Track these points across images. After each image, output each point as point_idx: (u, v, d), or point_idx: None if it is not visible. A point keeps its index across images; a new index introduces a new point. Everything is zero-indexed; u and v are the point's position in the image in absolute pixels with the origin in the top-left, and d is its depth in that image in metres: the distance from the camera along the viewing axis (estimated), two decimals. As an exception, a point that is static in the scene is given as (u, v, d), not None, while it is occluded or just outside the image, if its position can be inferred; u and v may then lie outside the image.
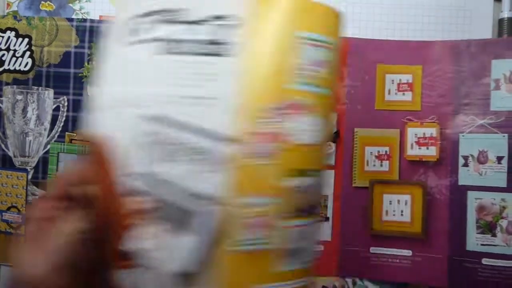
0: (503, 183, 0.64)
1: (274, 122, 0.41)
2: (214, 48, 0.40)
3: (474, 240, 0.64)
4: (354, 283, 0.67)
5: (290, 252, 0.41)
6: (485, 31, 0.69)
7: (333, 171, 0.66)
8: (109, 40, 0.42)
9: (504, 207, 0.64)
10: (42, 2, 0.69)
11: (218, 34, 0.41)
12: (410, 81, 0.66)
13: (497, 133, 0.64)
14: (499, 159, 0.64)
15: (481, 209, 0.64)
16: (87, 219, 0.37)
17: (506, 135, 0.64)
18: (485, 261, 0.64)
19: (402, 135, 0.66)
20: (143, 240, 0.37)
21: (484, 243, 0.64)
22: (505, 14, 0.68)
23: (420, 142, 0.65)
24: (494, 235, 0.64)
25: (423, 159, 0.65)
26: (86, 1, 0.69)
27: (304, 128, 0.43)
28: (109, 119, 0.39)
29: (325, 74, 0.44)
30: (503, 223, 0.64)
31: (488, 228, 0.64)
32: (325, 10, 0.45)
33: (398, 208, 0.65)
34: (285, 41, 0.43)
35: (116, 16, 0.43)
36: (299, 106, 0.43)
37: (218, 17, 0.41)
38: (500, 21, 0.68)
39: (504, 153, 0.64)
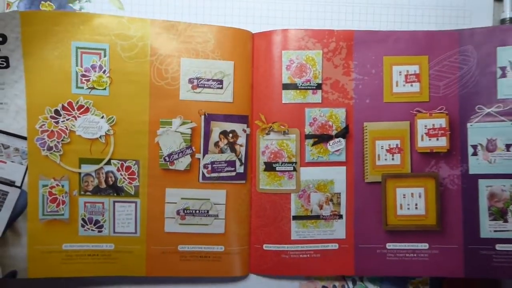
0: (512, 170, 0.65)
1: (61, 121, 0.61)
2: None
3: (487, 227, 0.65)
4: (354, 283, 0.68)
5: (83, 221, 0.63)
6: (485, 30, 0.69)
7: (344, 167, 0.66)
8: None
9: (514, 193, 0.65)
10: (42, 2, 0.67)
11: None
12: (418, 71, 0.66)
13: (505, 121, 0.65)
14: (508, 146, 0.65)
15: (492, 196, 0.65)
16: None
17: (514, 122, 0.65)
18: (498, 247, 0.65)
19: (412, 127, 0.66)
20: None
21: (497, 229, 0.65)
22: (507, 14, 0.68)
23: (430, 133, 0.65)
24: (505, 220, 0.65)
25: (434, 150, 0.65)
26: (86, 1, 0.67)
27: (87, 125, 0.62)
28: None
29: (97, 77, 0.62)
30: (514, 208, 0.65)
31: (500, 214, 0.65)
32: (85, 17, 0.63)
33: (412, 201, 0.65)
34: (60, 50, 0.61)
35: None
36: (83, 106, 0.62)
37: None
38: (502, 21, 0.69)
39: (513, 140, 0.65)
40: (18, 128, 0.60)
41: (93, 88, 0.61)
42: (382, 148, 0.66)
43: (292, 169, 0.66)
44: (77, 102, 0.62)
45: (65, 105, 0.62)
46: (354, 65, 0.66)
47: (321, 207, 0.66)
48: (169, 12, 0.68)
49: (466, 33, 0.66)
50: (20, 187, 0.58)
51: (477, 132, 0.65)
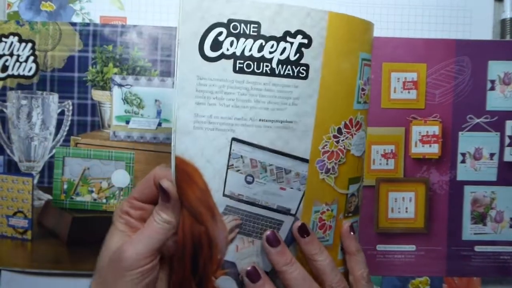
0: (493, 177, 0.70)
1: (341, 140, 0.48)
2: (292, 69, 0.43)
3: (468, 230, 0.70)
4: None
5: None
6: (485, 31, 0.71)
7: (340, 169, 0.68)
8: (184, 53, 0.40)
9: (493, 199, 0.70)
10: (43, 2, 0.65)
11: (293, 53, 0.43)
12: (415, 79, 0.69)
13: (491, 131, 0.69)
14: (491, 155, 0.70)
15: (475, 201, 0.70)
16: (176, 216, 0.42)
17: (498, 133, 0.69)
18: (477, 248, 0.70)
19: (407, 133, 0.69)
20: (234, 251, 0.43)
21: (477, 232, 0.70)
22: (507, 14, 0.70)
23: (423, 140, 0.68)
24: (485, 224, 0.70)
25: (426, 157, 0.69)
26: (87, 1, 0.66)
27: (358, 143, 0.50)
28: (197, 141, 0.41)
29: (369, 91, 0.51)
30: (492, 213, 0.70)
31: (480, 218, 0.70)
32: (369, 27, 0.50)
33: (403, 205, 0.69)
34: (352, 62, 0.48)
35: (183, 25, 0.40)
36: (358, 123, 0.50)
37: (290, 35, 0.42)
38: (503, 21, 0.71)
39: (496, 150, 0.69)
40: (302, 150, 0.48)
41: (365, 102, 0.54)
42: (377, 153, 0.69)
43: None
44: (355, 118, 0.52)
45: (347, 122, 0.51)
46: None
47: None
48: (169, 12, 0.68)
49: (462, 43, 0.69)
50: (294, 215, 0.49)
51: (466, 140, 0.69)
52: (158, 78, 0.68)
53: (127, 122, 0.68)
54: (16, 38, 0.66)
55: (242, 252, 0.43)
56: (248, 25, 0.41)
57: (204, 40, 0.40)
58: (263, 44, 0.41)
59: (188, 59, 0.40)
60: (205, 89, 0.40)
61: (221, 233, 0.42)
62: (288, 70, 0.42)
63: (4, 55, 0.67)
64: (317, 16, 0.43)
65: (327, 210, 0.49)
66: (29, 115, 0.67)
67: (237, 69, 0.41)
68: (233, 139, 0.41)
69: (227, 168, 0.42)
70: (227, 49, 0.41)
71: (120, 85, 0.68)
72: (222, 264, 0.43)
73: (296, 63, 0.43)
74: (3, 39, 0.67)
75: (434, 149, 0.69)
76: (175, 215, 0.41)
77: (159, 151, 0.69)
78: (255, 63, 0.41)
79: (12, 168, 0.68)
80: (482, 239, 0.70)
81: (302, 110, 0.44)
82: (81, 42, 0.67)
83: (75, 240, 0.68)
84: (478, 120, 0.69)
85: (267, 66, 0.42)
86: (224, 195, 0.42)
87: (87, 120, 0.68)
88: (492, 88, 0.69)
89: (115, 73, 0.67)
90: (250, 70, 0.41)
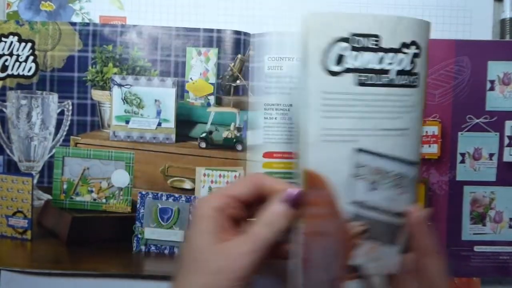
0: (493, 178, 0.70)
1: None
2: (408, 79, 0.45)
3: (468, 230, 0.70)
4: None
5: None
6: (485, 31, 0.71)
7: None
8: (309, 68, 0.42)
9: (492, 199, 0.70)
10: (42, 2, 0.65)
11: (409, 64, 0.45)
12: (415, 80, 0.69)
13: (490, 131, 0.69)
14: (491, 155, 0.70)
15: (474, 201, 0.70)
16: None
17: (498, 133, 0.69)
18: (476, 248, 0.70)
19: (407, 133, 0.69)
20: (362, 256, 0.44)
21: (476, 232, 0.70)
22: (507, 14, 0.70)
23: (423, 140, 0.68)
24: (484, 224, 0.70)
25: (426, 157, 0.69)
26: (86, 1, 0.66)
27: None
28: (323, 153, 0.43)
29: None
30: (492, 213, 0.70)
31: (480, 218, 0.70)
32: None
33: (403, 205, 0.69)
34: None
35: (306, 39, 0.42)
36: None
37: (406, 46, 0.44)
38: (502, 21, 0.71)
39: (495, 150, 0.70)
40: (415, 155, 0.48)
41: None
42: (378, 153, 0.69)
43: (292, 170, 0.68)
44: None
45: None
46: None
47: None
48: (169, 12, 0.68)
49: (462, 43, 0.69)
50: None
51: (466, 141, 0.69)
52: (158, 78, 0.68)
53: (127, 122, 0.68)
54: (16, 38, 0.66)
55: (368, 257, 0.45)
56: (370, 38, 0.43)
57: (328, 55, 0.42)
58: (383, 56, 0.43)
59: (313, 74, 0.41)
60: (330, 102, 0.42)
61: (348, 239, 0.44)
62: (404, 80, 0.44)
63: (3, 55, 0.67)
64: (425, 27, 0.46)
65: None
66: (28, 115, 0.67)
67: (360, 82, 0.43)
68: (358, 149, 0.43)
69: (352, 177, 0.44)
70: (350, 63, 0.42)
71: (120, 85, 0.68)
72: (350, 269, 0.44)
73: (410, 72, 0.45)
74: (3, 39, 0.67)
75: (433, 149, 0.69)
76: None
77: (159, 151, 0.69)
78: (376, 75, 0.43)
79: (11, 168, 0.68)
80: (481, 239, 0.70)
81: (414, 117, 0.46)
82: (81, 42, 0.67)
83: (75, 240, 0.68)
84: (477, 120, 0.69)
85: (386, 77, 0.43)
86: (349, 203, 0.43)
87: (87, 120, 0.68)
88: (492, 88, 0.69)
89: (115, 73, 0.67)
90: (372, 82, 0.43)
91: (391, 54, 0.43)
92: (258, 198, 0.43)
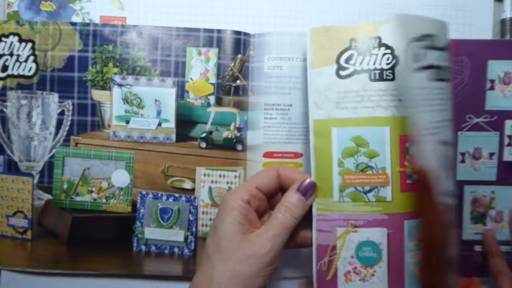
0: (493, 177, 0.70)
1: None
2: (449, 74, 0.52)
3: (469, 230, 0.70)
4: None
5: None
6: (485, 31, 0.71)
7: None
8: (405, 65, 0.47)
9: (493, 199, 0.70)
10: (43, 2, 0.65)
11: (447, 60, 0.52)
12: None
13: (490, 131, 0.69)
14: (491, 155, 0.70)
15: (475, 201, 0.70)
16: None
17: (498, 133, 0.69)
18: (477, 248, 0.70)
19: (408, 133, 0.69)
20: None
21: (477, 231, 0.70)
22: (507, 14, 0.70)
23: (422, 140, 0.69)
24: (485, 224, 0.70)
25: (426, 157, 0.69)
26: (87, 1, 0.66)
27: None
28: (423, 147, 0.47)
29: None
30: (492, 213, 0.70)
31: (480, 218, 0.70)
32: None
33: (404, 205, 0.69)
34: None
35: (398, 40, 0.47)
36: None
37: (446, 44, 0.51)
38: (502, 21, 0.71)
39: (495, 149, 0.69)
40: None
41: None
42: (377, 153, 0.69)
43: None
44: None
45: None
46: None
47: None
48: (169, 12, 0.68)
49: (462, 43, 0.69)
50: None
51: (466, 140, 0.69)
52: (158, 78, 0.68)
53: (127, 122, 0.68)
54: (16, 38, 0.66)
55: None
56: (433, 38, 0.49)
57: (414, 54, 0.48)
58: (443, 54, 0.50)
59: (409, 71, 0.47)
60: (421, 97, 0.48)
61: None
62: (448, 75, 0.52)
63: (4, 55, 0.67)
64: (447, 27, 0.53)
65: None
66: (29, 115, 0.67)
67: (432, 78, 0.49)
68: (441, 141, 0.49)
69: (441, 168, 0.49)
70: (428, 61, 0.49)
71: (120, 85, 0.68)
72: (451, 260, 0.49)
73: (446, 68, 0.51)
74: (3, 39, 0.67)
75: (434, 149, 0.69)
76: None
77: (159, 151, 0.69)
78: (442, 70, 0.51)
79: (12, 168, 0.68)
80: (481, 238, 0.70)
81: (450, 108, 0.53)
82: (81, 42, 0.67)
83: (75, 240, 0.68)
84: (477, 120, 0.69)
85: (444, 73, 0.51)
86: (444, 192, 0.48)
87: (87, 120, 0.68)
88: (492, 88, 0.69)
89: (115, 73, 0.67)
90: (440, 77, 0.50)
91: (446, 52, 0.50)
92: (279, 188, 0.48)
